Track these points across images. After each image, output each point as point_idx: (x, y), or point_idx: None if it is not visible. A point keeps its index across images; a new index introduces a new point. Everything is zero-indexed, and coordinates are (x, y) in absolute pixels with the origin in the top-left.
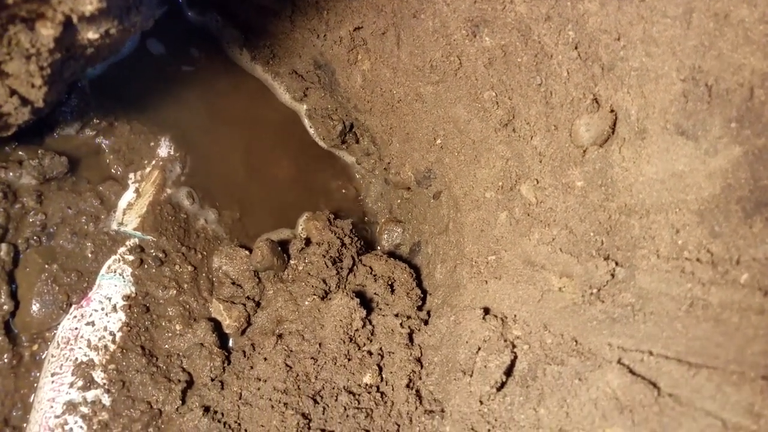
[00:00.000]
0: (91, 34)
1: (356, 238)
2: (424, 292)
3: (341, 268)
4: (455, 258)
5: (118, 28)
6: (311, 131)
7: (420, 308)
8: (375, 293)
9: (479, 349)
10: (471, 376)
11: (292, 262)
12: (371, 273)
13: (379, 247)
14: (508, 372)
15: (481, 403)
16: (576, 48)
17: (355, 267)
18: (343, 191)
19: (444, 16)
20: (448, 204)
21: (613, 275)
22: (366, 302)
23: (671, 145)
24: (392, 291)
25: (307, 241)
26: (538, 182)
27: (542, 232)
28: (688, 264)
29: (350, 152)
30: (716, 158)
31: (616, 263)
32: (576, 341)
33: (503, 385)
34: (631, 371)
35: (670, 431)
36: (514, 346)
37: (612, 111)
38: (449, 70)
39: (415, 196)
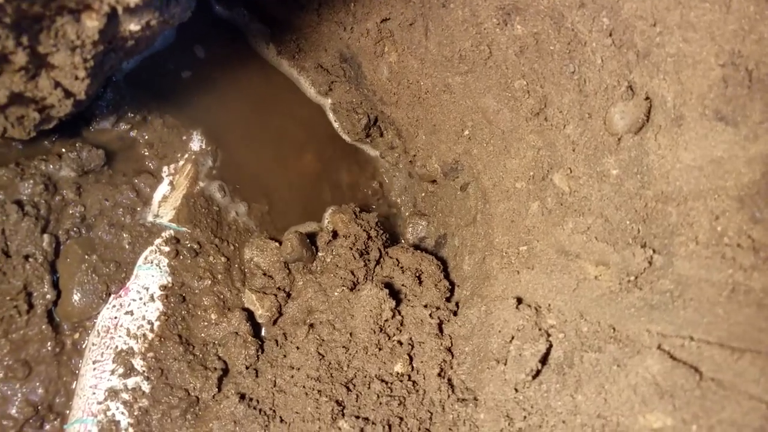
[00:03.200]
0: (133, 26)
1: (382, 231)
2: (452, 283)
3: (368, 260)
4: (484, 249)
5: (158, 20)
6: (336, 125)
7: (448, 299)
8: (403, 285)
9: (513, 338)
10: (505, 364)
11: (319, 254)
12: (398, 265)
13: (403, 240)
14: (543, 360)
15: (516, 390)
16: (610, 35)
17: (381, 259)
18: (368, 185)
19: (474, 5)
20: (476, 195)
21: (650, 262)
22: (394, 293)
23: (710, 131)
24: (420, 282)
25: (334, 234)
26: (571, 171)
27: (577, 221)
28: (729, 250)
29: (374, 146)
30: (756, 144)
31: (654, 250)
32: (614, 329)
33: (539, 372)
34: (672, 356)
35: (713, 415)
36: (549, 335)
37: (647, 98)
38: (479, 60)
39: (440, 188)
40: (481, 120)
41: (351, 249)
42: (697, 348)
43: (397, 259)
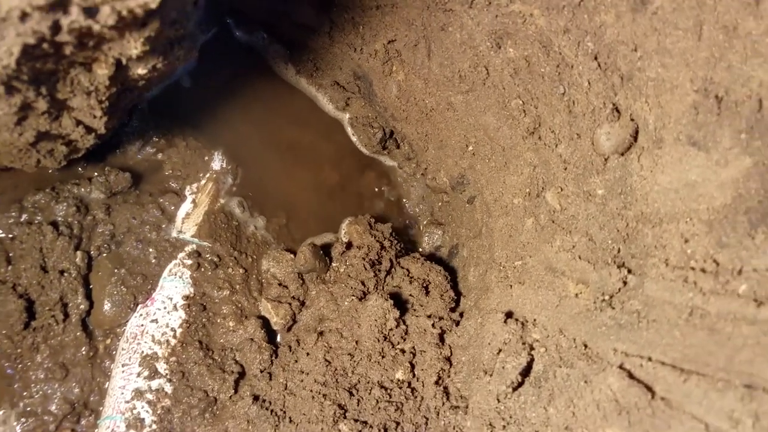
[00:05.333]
0: (141, 70)
1: (396, 241)
2: (459, 294)
3: (379, 271)
4: (487, 262)
5: (164, 63)
6: (354, 138)
7: (453, 310)
8: (410, 294)
9: (500, 350)
10: (491, 375)
11: (334, 264)
12: (408, 275)
13: (420, 249)
14: (525, 373)
15: (498, 401)
16: (596, 58)
17: (393, 269)
18: (386, 195)
19: (469, 29)
20: (482, 209)
21: (625, 282)
22: (401, 303)
23: (684, 155)
24: (427, 293)
25: (349, 245)
26: (562, 190)
27: (564, 239)
28: (692, 273)
29: (392, 157)
30: (727, 169)
31: (629, 271)
32: (585, 345)
33: (520, 385)
34: (630, 375)
35: (655, 427)
36: (532, 349)
37: (632, 120)
38: (477, 80)
39: (452, 200)
40: (483, 137)
41: (363, 260)
42: (653, 368)
43: (407, 269)
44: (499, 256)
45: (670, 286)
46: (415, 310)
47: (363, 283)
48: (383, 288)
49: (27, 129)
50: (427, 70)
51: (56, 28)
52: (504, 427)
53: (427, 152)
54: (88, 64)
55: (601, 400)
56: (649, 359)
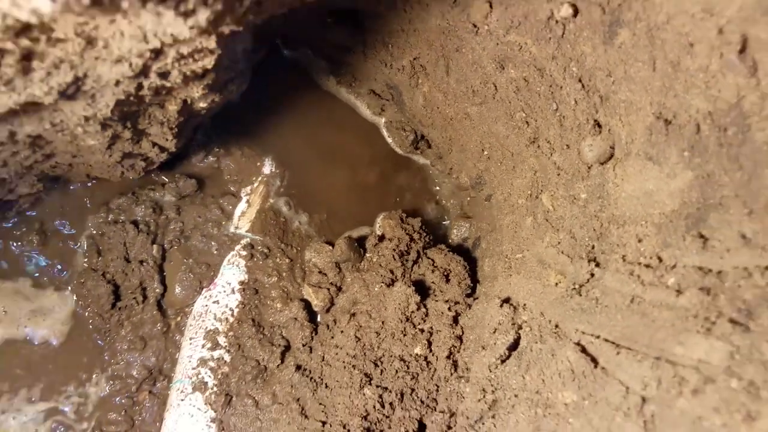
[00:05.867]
0: (201, 104)
1: (424, 234)
2: (476, 281)
3: (407, 260)
4: (497, 254)
5: (220, 97)
6: (389, 140)
7: (469, 295)
8: (432, 282)
9: (495, 330)
10: (484, 350)
11: (367, 254)
12: (432, 264)
13: (450, 240)
14: (512, 348)
15: (490, 371)
16: (580, 81)
17: (419, 259)
18: (418, 191)
19: (478, 53)
20: (496, 207)
21: (592, 274)
22: (425, 289)
23: (643, 167)
24: (447, 280)
25: (382, 237)
26: (554, 193)
27: (552, 236)
28: (638, 268)
29: (424, 156)
30: (675, 180)
31: (597, 264)
32: (557, 325)
33: (507, 358)
34: (583, 350)
35: (598, 394)
36: (519, 329)
37: (610, 134)
38: (488, 95)
39: (474, 197)
40: (495, 143)
41: (393, 251)
42: (599, 344)
43: (432, 260)
44: (505, 249)
45: (621, 278)
46: (435, 295)
47: (392, 272)
48: (409, 276)
49: (115, 151)
50: (446, 84)
51: (139, 87)
52: (493, 392)
53: (451, 154)
54: (162, 104)
55: (562, 369)
56: (598, 337)
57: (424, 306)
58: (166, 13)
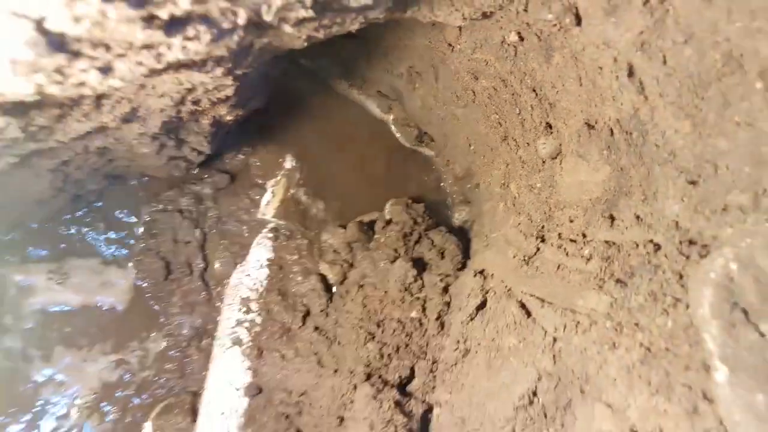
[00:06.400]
0: (228, 118)
1: (427, 218)
2: (469, 257)
3: (409, 241)
4: (481, 234)
5: (244, 110)
6: (397, 135)
7: (460, 269)
8: (430, 258)
9: (468, 294)
10: (461, 311)
11: (376, 236)
12: (432, 244)
13: (453, 222)
14: (480, 308)
15: (462, 326)
16: (533, 90)
17: (421, 239)
18: (426, 179)
19: (456, 65)
20: (481, 194)
21: (538, 249)
22: (423, 264)
23: (577, 163)
24: (442, 257)
25: (389, 221)
26: (519, 182)
27: (515, 218)
28: (566, 242)
29: (429, 148)
30: (598, 173)
31: (542, 240)
32: (509, 289)
33: (476, 316)
34: (522, 305)
35: (528, 338)
36: (486, 293)
37: (559, 134)
38: (469, 99)
39: (468, 185)
40: (478, 140)
41: (398, 233)
42: (534, 301)
43: (431, 240)
44: (485, 230)
45: (554, 250)
46: (431, 269)
47: (395, 250)
48: (411, 254)
49: (163, 155)
50: (436, 89)
51: (179, 111)
52: (465, 342)
53: (447, 148)
54: (197, 120)
55: (508, 321)
56: (532, 296)
57: (421, 278)
58: (194, 72)
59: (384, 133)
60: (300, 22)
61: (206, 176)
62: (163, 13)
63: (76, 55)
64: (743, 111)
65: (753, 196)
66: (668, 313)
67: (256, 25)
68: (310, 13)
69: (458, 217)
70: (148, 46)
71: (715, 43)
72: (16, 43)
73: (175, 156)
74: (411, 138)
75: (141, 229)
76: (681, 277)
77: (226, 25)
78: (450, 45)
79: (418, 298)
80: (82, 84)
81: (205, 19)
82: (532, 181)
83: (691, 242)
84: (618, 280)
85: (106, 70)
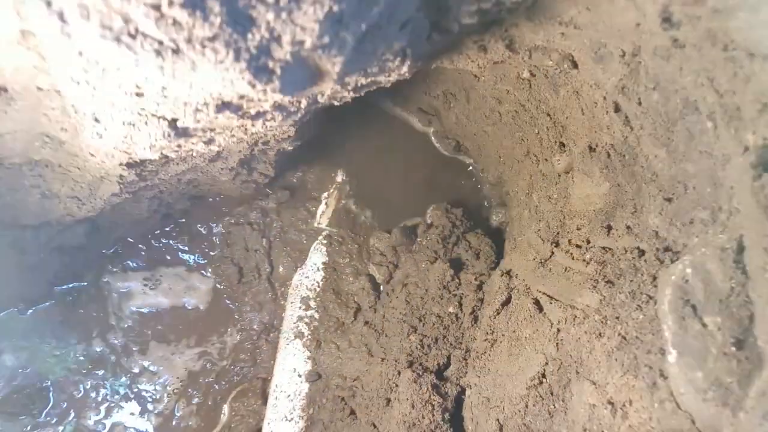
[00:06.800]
0: (289, 148)
1: (465, 220)
2: (502, 257)
3: (448, 243)
4: (511, 237)
5: (302, 140)
6: (437, 145)
7: (493, 268)
8: (467, 259)
9: (496, 292)
10: (489, 306)
11: (418, 239)
12: (468, 245)
13: (491, 223)
14: (505, 304)
15: (490, 320)
16: (548, 115)
17: (459, 241)
18: (464, 185)
19: (482, 92)
20: (510, 200)
21: (552, 253)
22: (460, 264)
23: (583, 178)
24: (477, 257)
25: (430, 225)
26: (539, 193)
27: (536, 225)
28: (573, 248)
29: (468, 155)
30: (600, 188)
31: (556, 245)
32: (528, 287)
33: (500, 311)
34: (537, 302)
35: (538, 329)
36: (511, 290)
37: (570, 152)
38: (496, 119)
39: (500, 191)
40: (506, 153)
41: (438, 236)
42: (545, 298)
43: (468, 241)
44: (514, 233)
45: (564, 254)
46: (467, 269)
47: (435, 252)
48: (449, 255)
49: (237, 181)
50: (468, 109)
51: (252, 150)
52: (492, 333)
53: (481, 158)
54: (265, 152)
55: (525, 315)
56: (544, 293)
57: (458, 277)
58: (258, 127)
59: (425, 144)
60: (344, 97)
61: (270, 193)
62: (253, 111)
63: (191, 136)
64: (703, 143)
65: (711, 212)
66: (641, 309)
67: (314, 102)
68: (353, 94)
69: (495, 218)
70: (239, 127)
71: (675, 90)
72: (155, 134)
73: (247, 180)
74: (450, 148)
75: (218, 240)
76: (654, 278)
77: (293, 109)
78: (476, 76)
79: (455, 295)
80: (191, 151)
81: (279, 108)
82: (550, 192)
83: (666, 249)
84: (608, 281)
85: (209, 141)
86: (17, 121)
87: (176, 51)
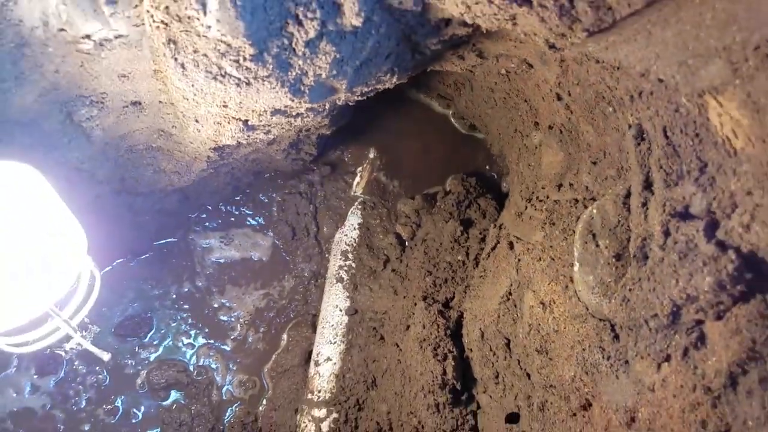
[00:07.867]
0: (327, 132)
1: (478, 188)
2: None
3: (461, 206)
4: (507, 199)
5: (338, 125)
6: (456, 125)
7: (495, 226)
8: (475, 218)
9: (489, 239)
10: (484, 251)
11: (437, 204)
12: (479, 208)
13: (503, 188)
14: (493, 249)
15: (483, 260)
16: (525, 101)
17: (471, 204)
18: (478, 158)
19: (478, 82)
20: (509, 169)
21: (526, 207)
22: (471, 222)
23: (548, 150)
24: (484, 216)
25: (448, 192)
26: (524, 162)
27: (519, 187)
28: (537, 202)
29: (483, 133)
30: (558, 156)
31: (529, 201)
32: (508, 234)
33: (490, 253)
34: (510, 243)
35: (510, 260)
36: (498, 238)
37: (541, 129)
38: (492, 104)
39: (505, 162)
40: (503, 131)
41: (454, 201)
42: (514, 239)
43: (479, 204)
44: (509, 195)
45: (531, 208)
46: (475, 226)
47: (450, 214)
48: (462, 216)
49: (288, 158)
50: (474, 96)
51: (298, 136)
52: (484, 271)
53: (489, 135)
54: (308, 136)
55: (503, 254)
56: (515, 236)
57: (467, 233)
58: (299, 121)
59: (445, 124)
60: (354, 99)
61: (315, 168)
62: (294, 113)
63: (256, 129)
64: (612, 121)
65: (617, 170)
66: (567, 239)
67: (334, 105)
68: (360, 97)
69: (505, 185)
70: (287, 122)
71: (589, 85)
72: (234, 129)
73: (296, 158)
74: (466, 126)
75: (275, 207)
76: (577, 219)
77: (320, 110)
78: (470, 71)
79: (463, 247)
80: (255, 139)
81: (311, 110)
82: (529, 161)
83: (592, 199)
84: (552, 223)
85: (267, 132)
86: (144, 122)
87: (248, 83)
